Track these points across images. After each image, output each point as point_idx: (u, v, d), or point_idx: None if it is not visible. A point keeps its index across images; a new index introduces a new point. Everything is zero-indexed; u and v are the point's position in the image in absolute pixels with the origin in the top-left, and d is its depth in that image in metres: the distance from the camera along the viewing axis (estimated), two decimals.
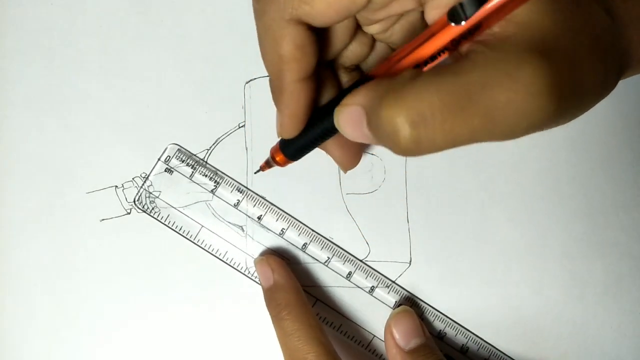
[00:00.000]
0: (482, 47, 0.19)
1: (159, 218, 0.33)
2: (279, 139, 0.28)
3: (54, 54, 0.34)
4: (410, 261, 0.35)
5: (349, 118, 0.22)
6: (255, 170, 0.33)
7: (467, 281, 0.35)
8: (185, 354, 0.33)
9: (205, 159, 0.34)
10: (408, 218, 0.35)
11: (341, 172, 0.34)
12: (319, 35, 0.23)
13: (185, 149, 0.34)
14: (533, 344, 0.35)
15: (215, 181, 0.34)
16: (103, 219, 0.33)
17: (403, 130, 0.18)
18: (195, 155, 0.34)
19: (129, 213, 0.33)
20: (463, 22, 0.19)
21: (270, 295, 0.31)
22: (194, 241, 0.33)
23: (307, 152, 0.28)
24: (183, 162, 0.34)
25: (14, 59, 0.34)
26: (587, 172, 0.36)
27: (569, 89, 0.19)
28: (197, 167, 0.34)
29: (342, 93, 0.24)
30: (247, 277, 0.33)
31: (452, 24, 0.19)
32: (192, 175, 0.34)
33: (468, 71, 0.18)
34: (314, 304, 0.34)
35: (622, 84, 0.24)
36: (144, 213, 0.33)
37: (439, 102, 0.18)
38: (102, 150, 0.34)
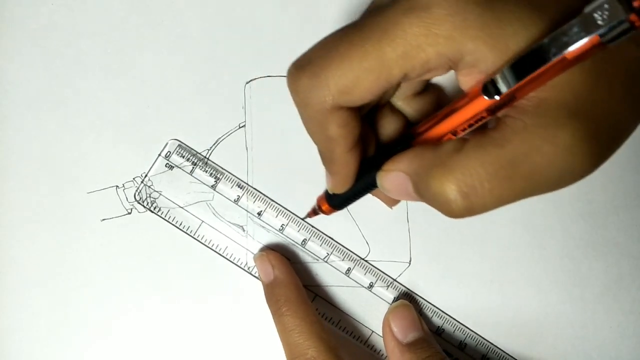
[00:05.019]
0: (519, 113, 0.20)
1: (159, 213, 0.33)
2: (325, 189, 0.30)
3: (54, 54, 0.34)
4: (410, 261, 0.35)
5: (392, 183, 0.24)
6: (303, 216, 0.34)
7: (467, 281, 0.35)
8: (187, 350, 0.33)
9: (206, 159, 0.34)
10: (408, 218, 0.35)
11: None
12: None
13: (185, 145, 0.34)
14: (532, 344, 0.35)
15: (216, 177, 0.34)
16: (104, 219, 0.33)
17: (455, 200, 0.20)
18: (195, 151, 0.34)
19: (129, 213, 0.33)
20: (497, 97, 0.20)
21: (271, 291, 0.32)
22: (194, 236, 0.33)
23: (352, 203, 0.30)
24: (183, 157, 0.34)
25: (14, 59, 0.34)
26: None
27: (607, 137, 0.20)
28: (198, 162, 0.34)
29: (381, 150, 0.27)
30: (248, 272, 0.34)
31: (486, 97, 0.20)
32: (192, 171, 0.34)
33: (508, 141, 0.19)
34: (312, 300, 0.34)
35: None
36: (144, 213, 0.33)
37: (485, 173, 0.20)
38: (103, 150, 0.34)
